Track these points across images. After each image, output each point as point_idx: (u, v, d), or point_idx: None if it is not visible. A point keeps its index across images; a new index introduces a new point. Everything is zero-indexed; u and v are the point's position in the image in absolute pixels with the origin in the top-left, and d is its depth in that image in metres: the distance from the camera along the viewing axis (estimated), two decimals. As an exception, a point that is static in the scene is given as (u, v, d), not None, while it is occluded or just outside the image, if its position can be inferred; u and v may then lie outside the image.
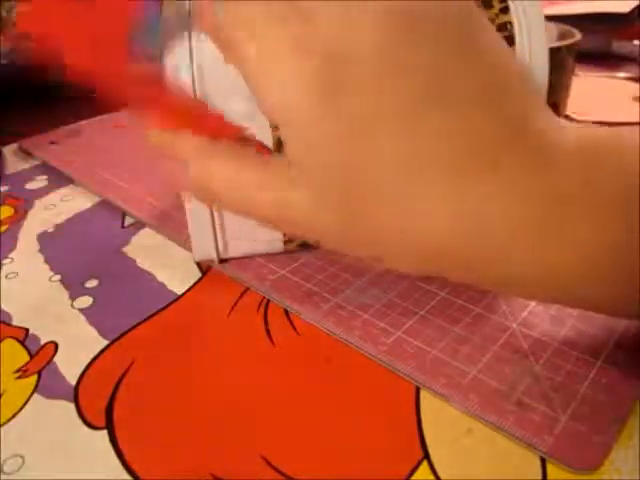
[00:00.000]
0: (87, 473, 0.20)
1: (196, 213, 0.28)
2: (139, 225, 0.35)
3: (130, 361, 0.25)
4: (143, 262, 0.31)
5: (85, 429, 0.22)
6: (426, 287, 0.28)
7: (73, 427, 0.22)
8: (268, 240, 0.29)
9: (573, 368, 0.23)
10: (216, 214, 0.28)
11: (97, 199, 0.39)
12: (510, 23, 0.26)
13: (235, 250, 0.30)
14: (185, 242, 0.32)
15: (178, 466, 0.20)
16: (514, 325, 0.25)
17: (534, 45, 0.26)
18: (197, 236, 0.29)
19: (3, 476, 0.20)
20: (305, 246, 0.30)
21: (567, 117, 0.47)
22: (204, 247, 0.29)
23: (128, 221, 0.36)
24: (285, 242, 0.29)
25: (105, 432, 0.21)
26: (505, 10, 0.26)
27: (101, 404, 0.23)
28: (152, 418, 0.22)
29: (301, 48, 0.17)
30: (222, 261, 0.30)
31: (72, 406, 0.23)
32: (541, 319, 0.26)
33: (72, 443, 0.21)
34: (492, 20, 0.26)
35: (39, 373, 0.24)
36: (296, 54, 0.17)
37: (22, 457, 0.21)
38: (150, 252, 0.32)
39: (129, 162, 0.43)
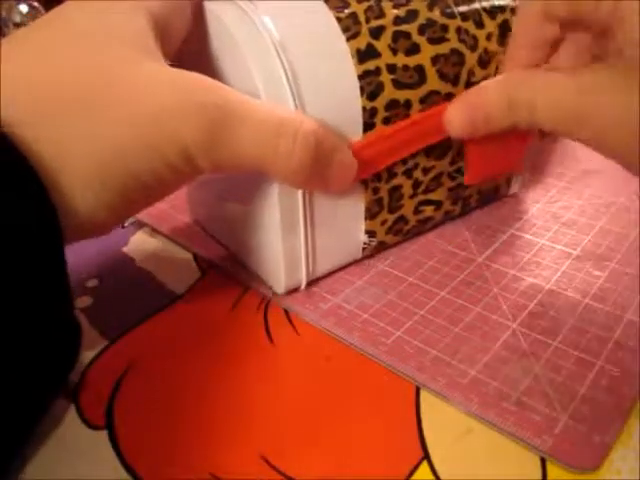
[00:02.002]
0: (87, 473, 0.20)
1: (289, 242, 0.26)
2: (139, 225, 0.35)
3: (130, 361, 0.25)
4: (143, 262, 0.31)
5: (85, 429, 0.22)
6: (426, 287, 0.28)
7: (73, 427, 0.22)
8: (350, 249, 0.29)
9: (573, 368, 0.23)
10: (310, 236, 0.26)
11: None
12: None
13: (320, 269, 0.28)
14: (251, 280, 0.29)
15: (178, 466, 0.20)
16: (514, 325, 0.25)
17: None
18: (287, 268, 0.26)
19: (3, 476, 0.20)
20: (378, 249, 0.30)
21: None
22: (295, 275, 0.27)
23: (128, 221, 0.36)
24: (363, 249, 0.29)
25: (105, 432, 0.21)
26: None
27: (101, 404, 0.23)
28: (152, 418, 0.22)
29: None
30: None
31: (72, 406, 0.23)
32: (541, 319, 0.26)
33: (72, 443, 0.21)
34: (505, 6, 0.29)
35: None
36: None
37: (22, 457, 0.21)
38: (150, 252, 0.32)
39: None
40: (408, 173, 0.28)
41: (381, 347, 0.24)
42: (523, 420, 0.21)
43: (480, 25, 0.28)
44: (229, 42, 0.24)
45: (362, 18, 0.25)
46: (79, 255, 0.32)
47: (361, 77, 0.24)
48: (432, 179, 0.29)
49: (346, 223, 0.27)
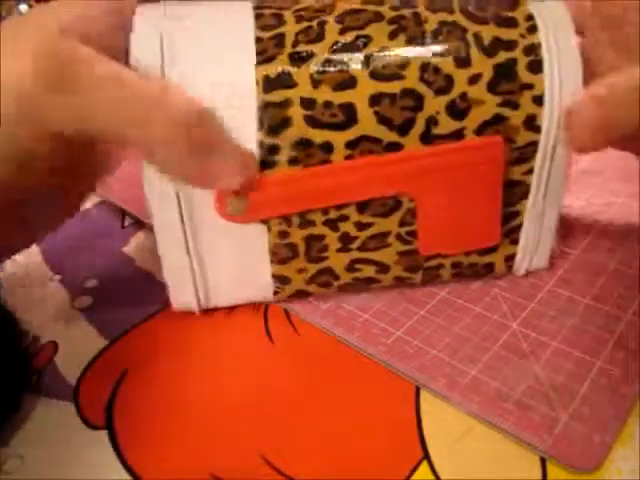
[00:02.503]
0: (87, 473, 0.20)
1: (172, 260, 0.24)
2: (139, 225, 0.35)
3: (130, 361, 0.25)
4: (143, 262, 0.31)
5: (85, 429, 0.22)
6: (426, 287, 0.28)
7: (73, 427, 0.22)
8: (257, 288, 0.26)
9: (573, 368, 0.23)
10: (195, 262, 0.24)
11: (97, 199, 0.39)
12: (539, 45, 0.23)
13: (219, 299, 0.26)
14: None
15: (178, 466, 0.20)
16: (514, 325, 0.25)
17: (565, 74, 0.23)
18: (175, 283, 0.25)
19: (3, 476, 0.20)
20: (298, 296, 0.27)
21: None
22: (183, 295, 0.26)
23: (128, 221, 0.36)
24: (275, 292, 0.26)
25: (105, 432, 0.21)
26: (533, 29, 0.23)
27: (101, 404, 0.23)
28: (152, 418, 0.22)
29: None
30: (204, 311, 0.27)
31: (72, 406, 0.23)
32: (541, 319, 0.26)
33: (72, 443, 0.21)
34: (516, 41, 0.22)
35: (39, 373, 0.24)
36: None
37: (22, 457, 0.21)
38: (150, 252, 0.32)
39: (129, 162, 0.43)
40: (332, 224, 0.24)
41: (381, 347, 0.24)
42: (523, 420, 0.21)
43: (464, 63, 0.22)
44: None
45: (289, 41, 0.22)
46: (79, 255, 0.32)
47: (261, 108, 0.22)
48: (372, 237, 0.24)
49: (244, 261, 0.25)
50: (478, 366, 0.23)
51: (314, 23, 0.22)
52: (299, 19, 0.22)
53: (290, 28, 0.22)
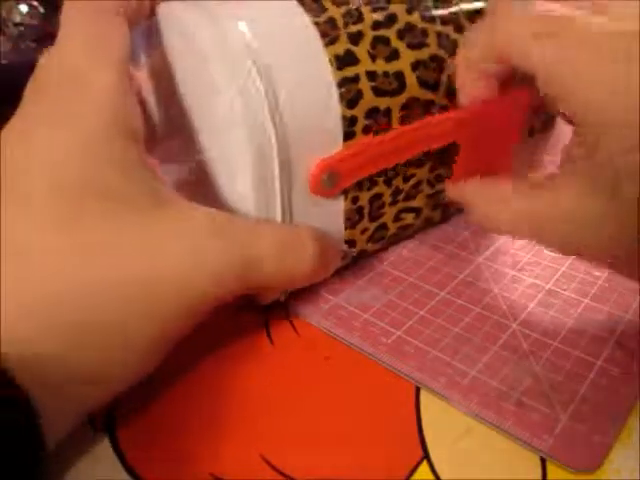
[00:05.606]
0: (87, 473, 0.20)
1: None
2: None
3: (130, 361, 0.25)
4: (143, 262, 0.31)
5: (85, 429, 0.22)
6: (426, 287, 0.28)
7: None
8: None
9: (573, 368, 0.23)
10: None
11: (97, 199, 0.39)
12: None
13: None
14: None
15: (178, 466, 0.20)
16: (514, 325, 0.25)
17: None
18: None
19: (3, 476, 0.20)
20: (360, 256, 0.29)
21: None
22: None
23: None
24: (342, 257, 0.27)
25: (105, 433, 0.21)
26: None
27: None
28: (152, 418, 0.22)
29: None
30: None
31: (72, 406, 0.23)
32: (541, 319, 0.26)
33: (72, 443, 0.21)
34: None
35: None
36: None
37: (22, 457, 0.21)
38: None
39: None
40: (388, 182, 0.27)
41: (381, 347, 0.24)
42: (523, 420, 0.21)
43: (460, 29, 0.26)
44: (193, 48, 0.22)
45: (340, 23, 0.24)
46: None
47: (340, 84, 0.23)
48: (412, 187, 0.28)
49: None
50: (478, 366, 0.23)
51: (350, 6, 0.25)
52: (335, 3, 0.25)
53: (334, 12, 0.24)
